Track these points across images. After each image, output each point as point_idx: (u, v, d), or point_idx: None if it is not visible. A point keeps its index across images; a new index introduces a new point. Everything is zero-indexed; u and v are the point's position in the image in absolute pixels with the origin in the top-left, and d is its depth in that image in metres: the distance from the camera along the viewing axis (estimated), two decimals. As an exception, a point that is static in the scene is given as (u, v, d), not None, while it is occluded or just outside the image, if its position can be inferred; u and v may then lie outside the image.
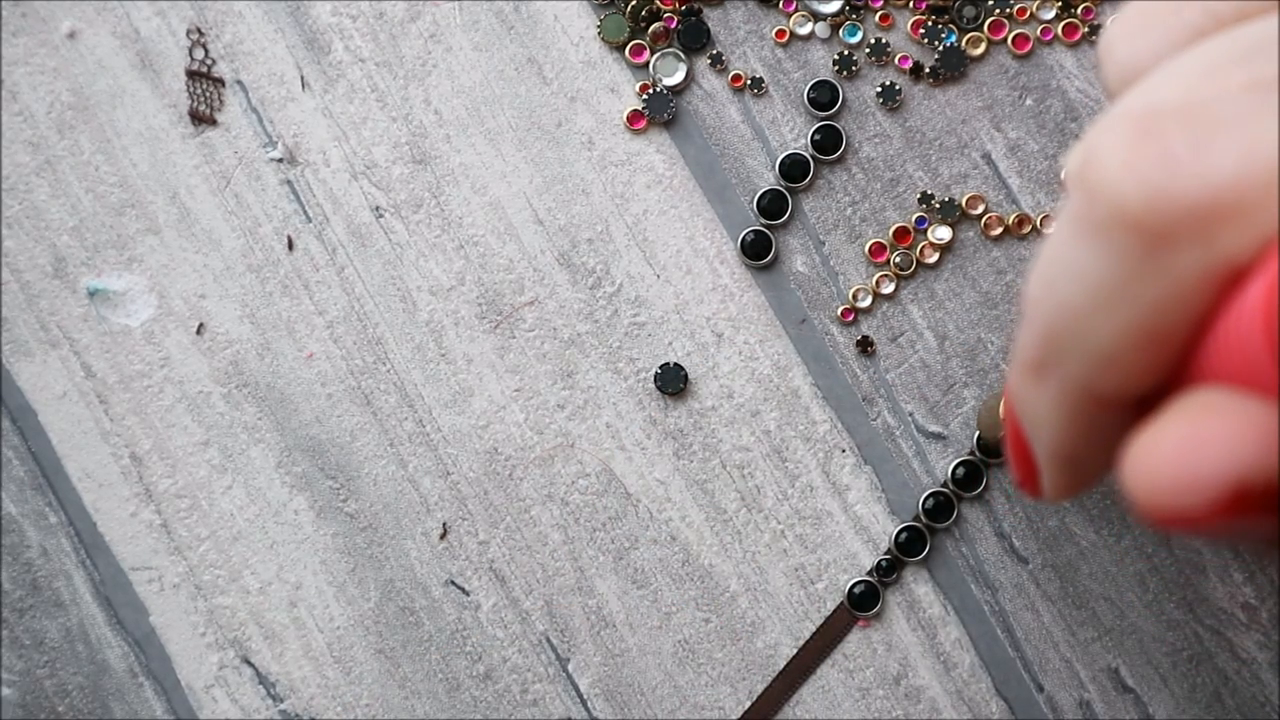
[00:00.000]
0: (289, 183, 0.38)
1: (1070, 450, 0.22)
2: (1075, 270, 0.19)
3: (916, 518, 0.37)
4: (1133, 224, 0.17)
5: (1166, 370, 0.19)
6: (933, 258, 0.38)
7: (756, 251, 0.38)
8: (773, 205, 0.38)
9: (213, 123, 0.38)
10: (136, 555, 0.38)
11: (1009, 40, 0.38)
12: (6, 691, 0.38)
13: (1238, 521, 0.17)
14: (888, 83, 0.38)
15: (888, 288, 0.38)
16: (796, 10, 0.38)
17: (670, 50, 0.38)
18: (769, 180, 0.38)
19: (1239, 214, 0.16)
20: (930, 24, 0.38)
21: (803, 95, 0.38)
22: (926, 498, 0.37)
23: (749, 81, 0.38)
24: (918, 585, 0.38)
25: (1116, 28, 0.21)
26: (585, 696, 0.38)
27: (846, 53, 0.38)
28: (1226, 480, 0.17)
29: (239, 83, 0.38)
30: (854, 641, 0.38)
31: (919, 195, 0.38)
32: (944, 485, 0.37)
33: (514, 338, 0.38)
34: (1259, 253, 0.17)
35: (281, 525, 0.38)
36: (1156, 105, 0.18)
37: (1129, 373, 0.19)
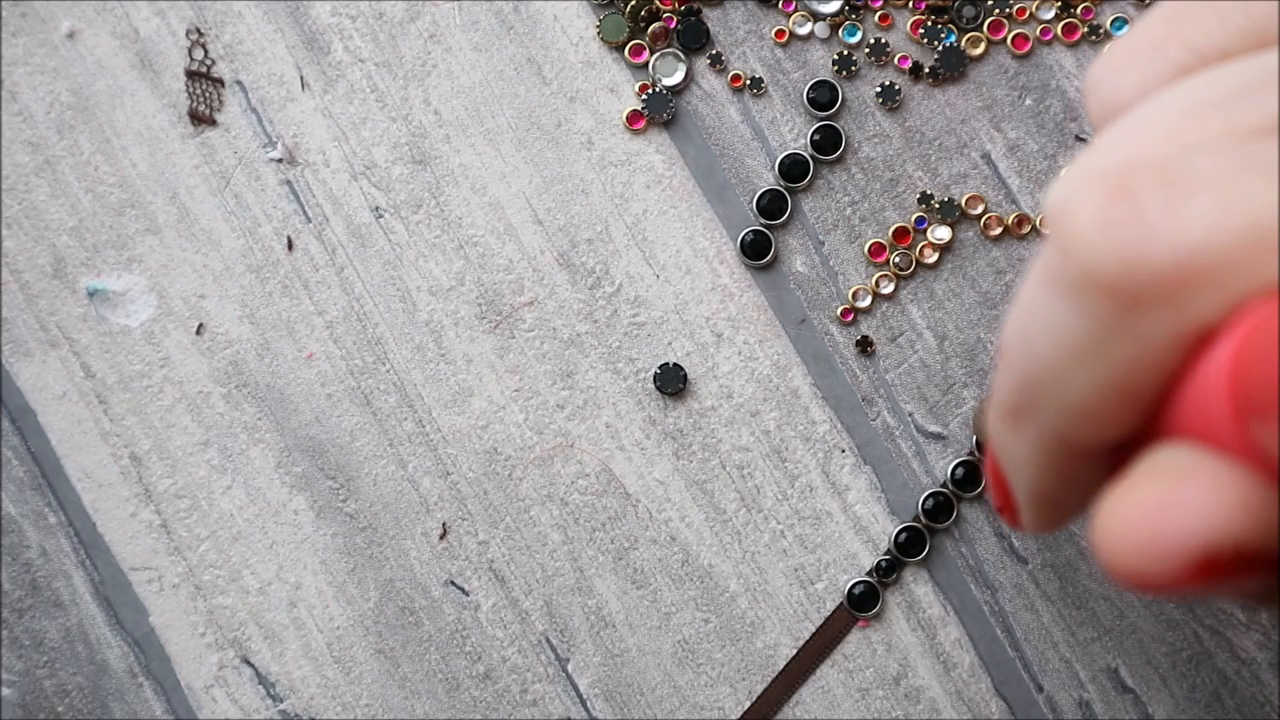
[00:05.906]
0: (289, 183, 0.38)
1: (1048, 492, 0.22)
2: (1048, 324, 0.19)
3: (916, 518, 0.37)
4: (1104, 287, 0.17)
5: (1142, 421, 0.19)
6: (932, 258, 0.38)
7: (756, 251, 0.38)
8: (772, 205, 0.38)
9: (212, 123, 0.38)
10: (136, 555, 0.38)
11: (1008, 40, 0.38)
12: (6, 691, 0.38)
13: (1209, 584, 0.17)
14: (887, 83, 0.38)
15: (887, 288, 0.38)
16: (796, 10, 0.38)
17: (670, 50, 0.38)
18: (768, 180, 0.38)
19: (1209, 279, 0.17)
20: (930, 24, 0.38)
21: (802, 95, 0.38)
22: (926, 498, 0.37)
23: (748, 81, 0.38)
24: (917, 585, 0.38)
25: (1101, 64, 0.21)
26: (585, 696, 0.38)
27: (846, 53, 0.38)
28: (1194, 546, 0.17)
29: (239, 83, 0.38)
30: (854, 642, 0.38)
31: (918, 195, 0.38)
32: (944, 485, 0.37)
33: (514, 338, 0.38)
34: (1228, 314, 0.17)
35: (281, 525, 0.38)
36: (1132, 159, 0.18)
37: (1103, 424, 0.19)
